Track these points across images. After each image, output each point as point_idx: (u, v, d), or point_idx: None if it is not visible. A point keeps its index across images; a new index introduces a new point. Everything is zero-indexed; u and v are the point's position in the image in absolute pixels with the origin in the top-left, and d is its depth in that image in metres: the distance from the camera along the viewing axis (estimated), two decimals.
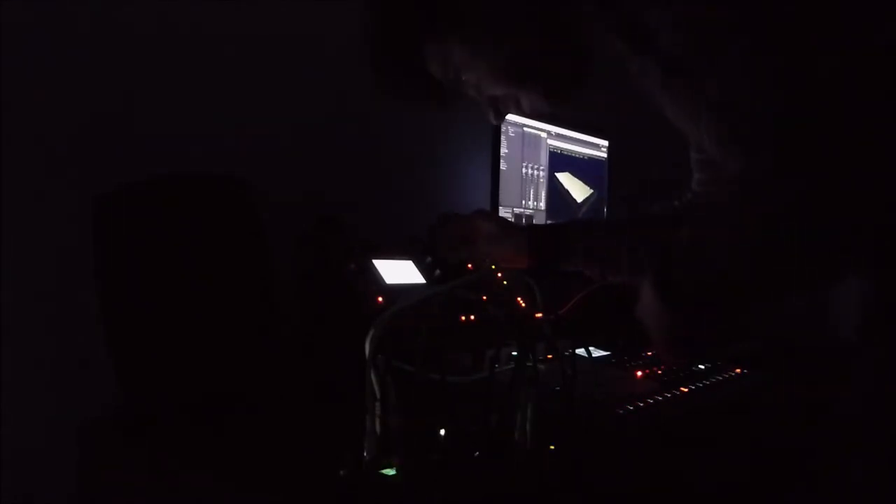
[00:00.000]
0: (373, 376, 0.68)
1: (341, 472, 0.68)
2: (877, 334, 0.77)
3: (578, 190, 1.69)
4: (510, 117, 1.47)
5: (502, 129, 1.45)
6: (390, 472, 0.68)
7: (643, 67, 0.83)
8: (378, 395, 0.68)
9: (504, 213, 1.47)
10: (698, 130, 0.82)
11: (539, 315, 0.82)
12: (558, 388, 0.83)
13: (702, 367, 1.23)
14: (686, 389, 1.07)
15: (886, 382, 0.75)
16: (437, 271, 1.06)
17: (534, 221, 1.55)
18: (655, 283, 0.77)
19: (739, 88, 0.67)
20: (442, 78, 0.92)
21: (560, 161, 1.63)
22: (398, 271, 1.01)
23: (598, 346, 1.20)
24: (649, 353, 1.29)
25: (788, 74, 0.63)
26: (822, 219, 0.63)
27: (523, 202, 1.53)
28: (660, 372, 1.15)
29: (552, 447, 0.77)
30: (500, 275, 0.94)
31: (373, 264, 0.98)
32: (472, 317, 0.93)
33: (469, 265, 1.07)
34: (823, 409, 1.03)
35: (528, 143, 1.53)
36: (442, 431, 0.74)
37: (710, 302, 0.74)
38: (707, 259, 0.72)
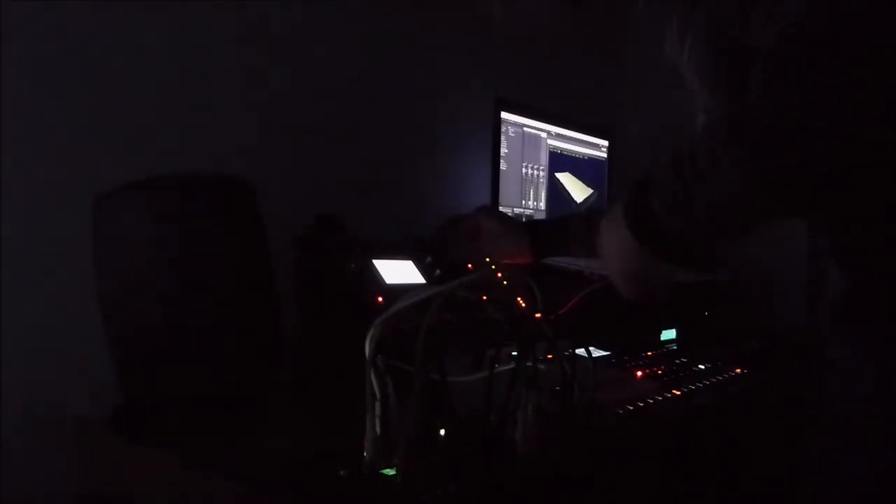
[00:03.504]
0: (373, 376, 0.68)
1: (341, 472, 0.68)
2: (841, 334, 0.77)
3: (578, 190, 1.69)
4: (510, 117, 1.47)
5: (502, 129, 1.46)
6: (390, 472, 0.68)
7: None
8: (378, 395, 0.68)
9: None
10: (682, 57, 0.80)
11: (539, 315, 0.82)
12: (558, 388, 0.83)
13: (702, 366, 1.23)
14: (686, 389, 1.07)
15: (850, 383, 0.74)
16: (437, 271, 1.06)
17: None
18: (629, 217, 0.76)
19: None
20: None
21: (560, 161, 1.63)
22: (398, 271, 1.01)
23: (598, 346, 1.20)
24: (649, 353, 1.29)
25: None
26: (787, 161, 0.62)
27: (523, 202, 1.53)
28: (660, 372, 1.15)
29: (552, 447, 0.77)
30: (500, 275, 0.94)
31: (373, 264, 0.98)
32: (472, 317, 0.93)
33: (469, 265, 1.07)
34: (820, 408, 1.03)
35: (528, 143, 1.53)
36: (442, 431, 0.74)
37: (683, 237, 0.74)
38: (682, 194, 0.71)
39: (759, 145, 0.64)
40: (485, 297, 0.83)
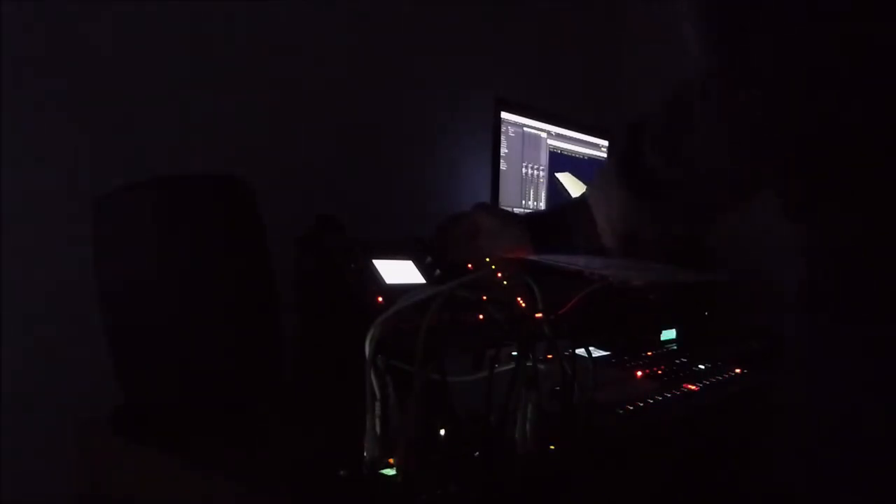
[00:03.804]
0: (373, 376, 0.68)
1: (341, 472, 0.68)
2: (839, 333, 0.76)
3: (578, 190, 1.69)
4: (510, 117, 1.47)
5: (502, 129, 1.46)
6: (390, 472, 0.68)
7: None
8: (378, 395, 0.68)
9: None
10: (677, 8, 0.80)
11: (539, 315, 0.82)
12: (558, 388, 0.83)
13: (702, 366, 1.23)
14: (686, 389, 1.07)
15: (849, 383, 0.74)
16: (437, 271, 1.06)
17: None
18: (619, 167, 0.76)
19: None
20: None
21: (560, 161, 1.63)
22: (398, 271, 1.01)
23: (598, 346, 1.20)
24: (649, 353, 1.29)
25: None
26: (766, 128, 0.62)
27: (523, 202, 1.53)
28: (660, 372, 1.15)
29: (552, 447, 0.77)
30: (500, 275, 0.94)
31: (373, 264, 0.98)
32: (472, 317, 0.93)
33: (469, 265, 1.07)
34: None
35: (528, 143, 1.53)
36: (442, 431, 0.74)
37: (672, 191, 0.74)
38: (674, 148, 0.71)
39: (759, 145, 0.64)
40: (485, 297, 0.83)
